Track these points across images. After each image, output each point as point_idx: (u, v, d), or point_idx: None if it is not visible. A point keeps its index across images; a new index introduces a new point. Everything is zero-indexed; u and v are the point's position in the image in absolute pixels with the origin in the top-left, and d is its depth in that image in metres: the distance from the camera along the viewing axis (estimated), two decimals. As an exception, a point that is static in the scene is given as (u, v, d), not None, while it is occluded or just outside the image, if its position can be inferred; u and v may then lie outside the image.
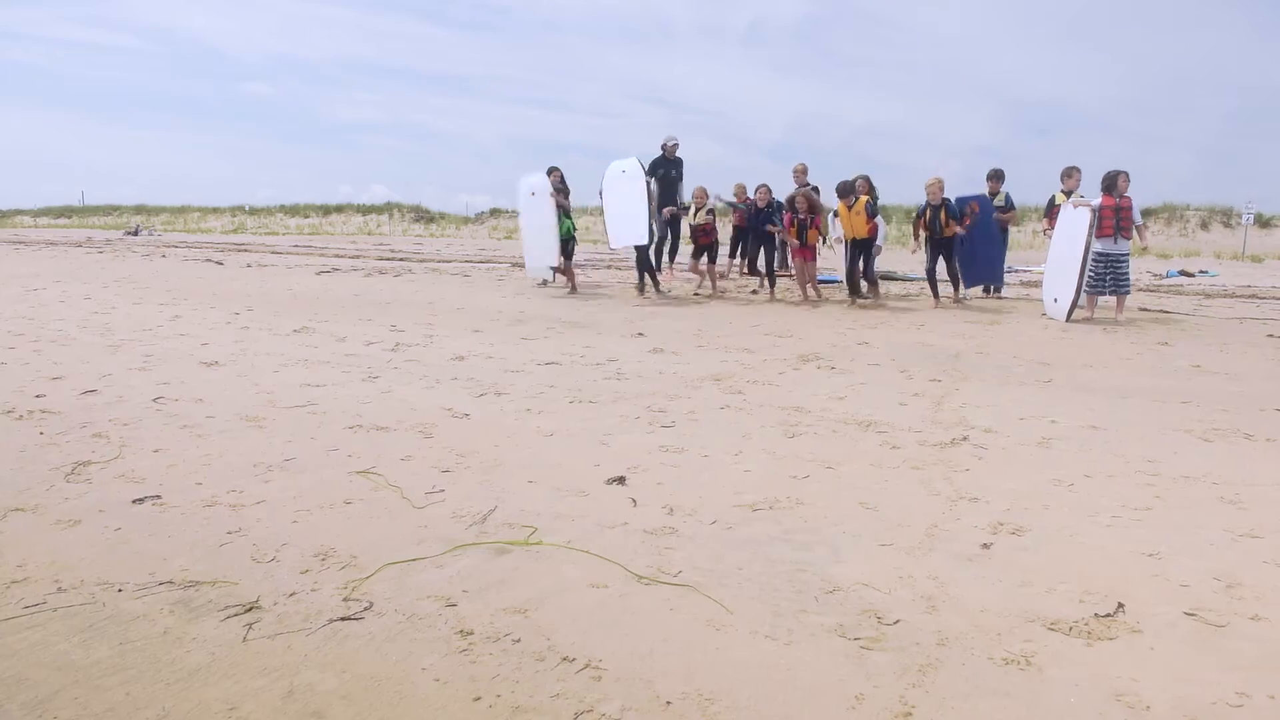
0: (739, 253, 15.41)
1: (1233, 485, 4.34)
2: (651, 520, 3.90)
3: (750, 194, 14.12)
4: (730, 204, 14.15)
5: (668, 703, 2.50)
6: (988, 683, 2.61)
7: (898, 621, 2.97)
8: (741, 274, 15.65)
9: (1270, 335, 9.38)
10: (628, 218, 12.79)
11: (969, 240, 11.98)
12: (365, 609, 3.06)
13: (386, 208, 46.91)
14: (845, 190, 11.73)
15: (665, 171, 14.25)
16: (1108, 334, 9.44)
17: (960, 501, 4.14)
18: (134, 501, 4.11)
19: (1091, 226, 10.19)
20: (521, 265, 19.20)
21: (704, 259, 13.61)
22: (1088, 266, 10.40)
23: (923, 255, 12.50)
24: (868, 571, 3.36)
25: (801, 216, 12.06)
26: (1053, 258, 10.92)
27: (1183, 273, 17.79)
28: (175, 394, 6.30)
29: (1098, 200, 10.44)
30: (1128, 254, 10.61)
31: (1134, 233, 10.49)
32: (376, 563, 3.42)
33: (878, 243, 12.25)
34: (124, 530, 3.79)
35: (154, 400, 6.12)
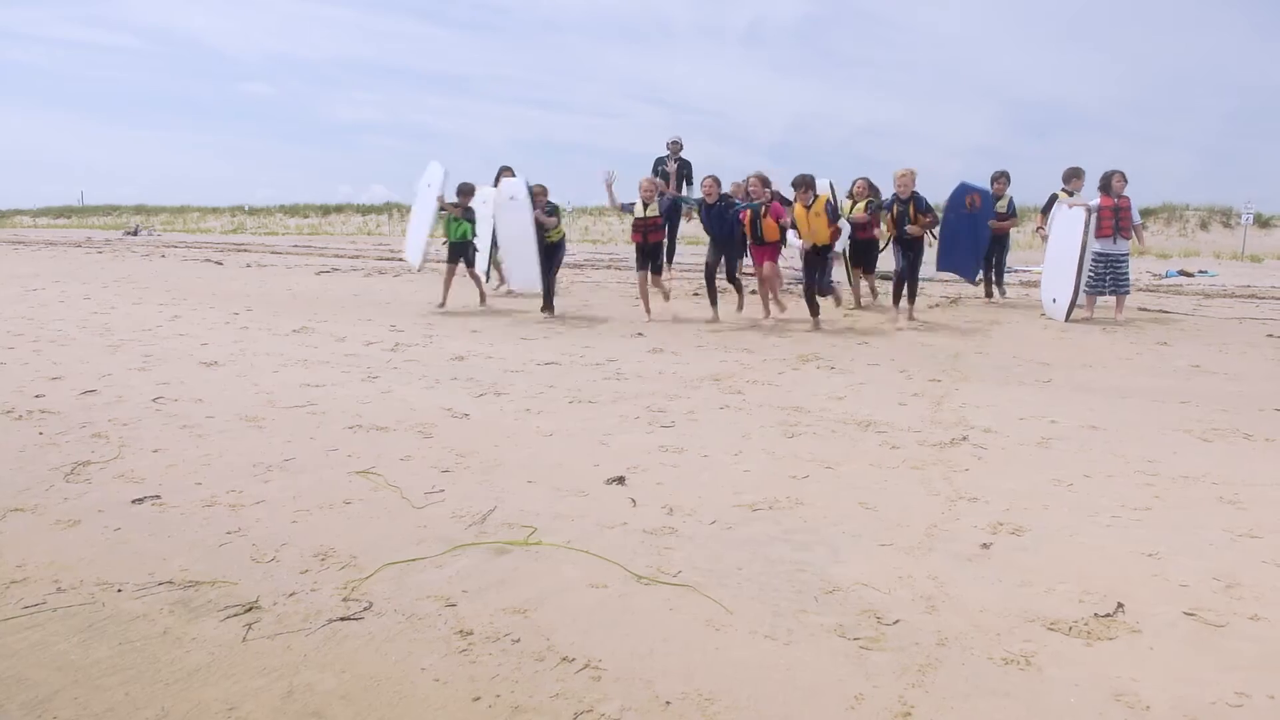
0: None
1: (1232, 485, 4.34)
2: (651, 520, 3.90)
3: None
4: (697, 202, 11.03)
5: (667, 703, 2.50)
6: (987, 683, 2.61)
7: (897, 621, 2.97)
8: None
9: (1270, 335, 9.38)
10: (519, 258, 11.20)
11: (952, 225, 11.34)
12: (365, 609, 3.06)
13: (386, 208, 46.82)
14: (802, 184, 9.61)
15: (672, 169, 14.36)
16: (1107, 334, 9.44)
17: (960, 501, 4.14)
18: (133, 501, 4.11)
19: (1087, 226, 10.15)
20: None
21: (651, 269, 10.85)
22: (1087, 267, 10.35)
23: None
24: (867, 571, 3.36)
25: (757, 202, 9.97)
26: (1050, 258, 10.90)
27: (1182, 273, 17.78)
28: (175, 394, 6.30)
29: (1095, 200, 10.40)
30: (1127, 254, 10.51)
31: (1133, 233, 10.46)
32: (376, 563, 3.42)
33: (836, 249, 10.49)
34: (123, 530, 3.79)
35: (153, 400, 6.12)
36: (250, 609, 3.06)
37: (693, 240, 18.81)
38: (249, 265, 19.34)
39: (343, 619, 2.99)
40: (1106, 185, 10.34)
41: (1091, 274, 10.43)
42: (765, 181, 10.13)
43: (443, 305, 11.55)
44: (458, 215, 11.35)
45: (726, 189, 10.76)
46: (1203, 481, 4.42)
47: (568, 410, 5.94)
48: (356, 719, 2.45)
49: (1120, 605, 3.07)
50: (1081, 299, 10.45)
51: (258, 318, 10.65)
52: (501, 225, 11.61)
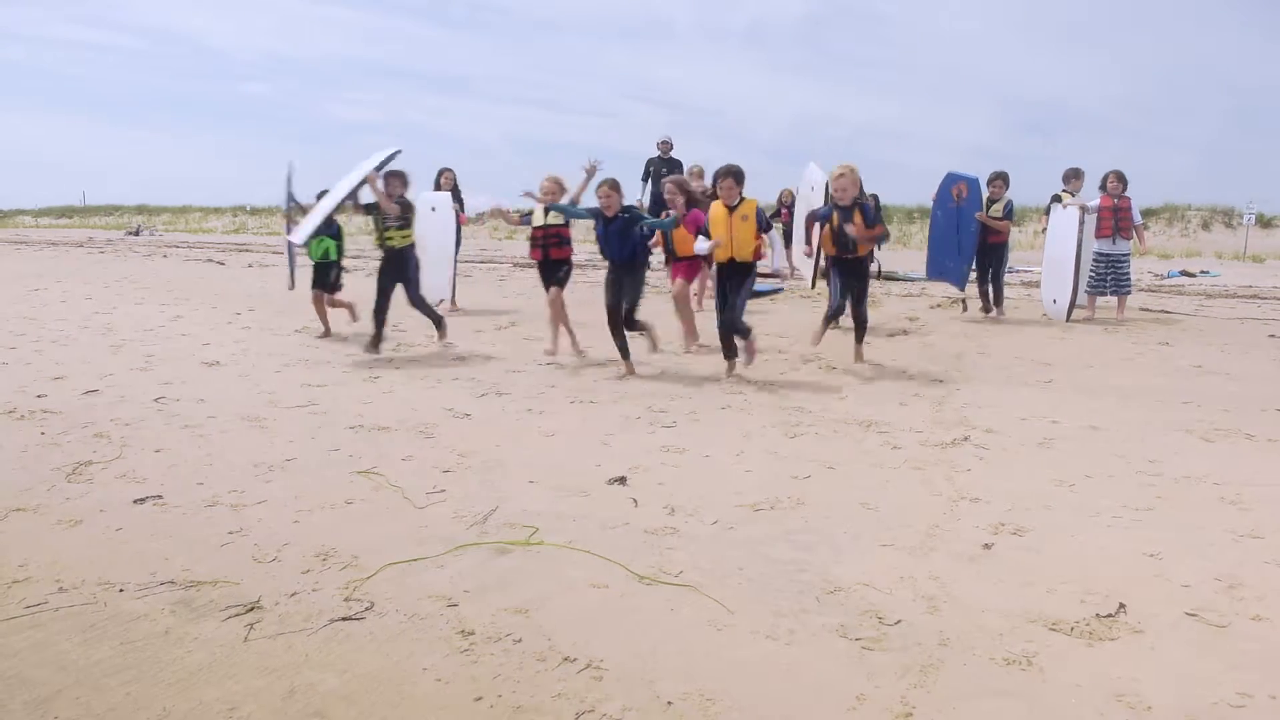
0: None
1: (1234, 486, 4.34)
2: (653, 520, 3.90)
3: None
4: (591, 214, 7.41)
5: (669, 703, 2.50)
6: (989, 683, 2.61)
7: (899, 622, 2.97)
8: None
9: (1272, 335, 9.36)
10: (431, 264, 9.68)
11: (940, 225, 10.59)
12: (366, 609, 3.06)
13: (389, 208, 46.78)
14: (728, 176, 6.88)
15: (660, 170, 14.47)
16: (1109, 334, 9.43)
17: (961, 502, 4.14)
18: (135, 501, 4.12)
19: (1080, 225, 10.11)
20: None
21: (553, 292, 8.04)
22: (1088, 267, 10.34)
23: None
24: (869, 571, 3.36)
25: (669, 219, 7.65)
26: (1048, 259, 10.85)
27: (1184, 273, 17.76)
28: (177, 394, 6.30)
29: (1095, 201, 10.38)
30: (1128, 254, 10.47)
31: (1134, 234, 10.41)
32: (378, 563, 3.42)
33: (776, 264, 8.18)
34: (125, 530, 3.79)
35: (155, 400, 6.12)
36: (252, 609, 3.06)
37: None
38: (251, 265, 19.34)
39: (344, 619, 2.99)
40: (1102, 184, 10.36)
41: (1093, 274, 10.39)
42: (683, 186, 7.94)
43: (326, 334, 9.20)
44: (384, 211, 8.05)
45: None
46: (1205, 482, 4.42)
47: (569, 410, 5.94)
48: (359, 719, 2.45)
49: (1122, 606, 3.06)
50: (1083, 299, 10.43)
51: (260, 318, 10.65)
52: (425, 238, 9.61)
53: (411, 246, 8.24)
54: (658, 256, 9.08)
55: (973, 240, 10.16)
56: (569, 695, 2.54)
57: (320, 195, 8.87)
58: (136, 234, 36.11)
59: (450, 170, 11.63)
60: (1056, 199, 10.92)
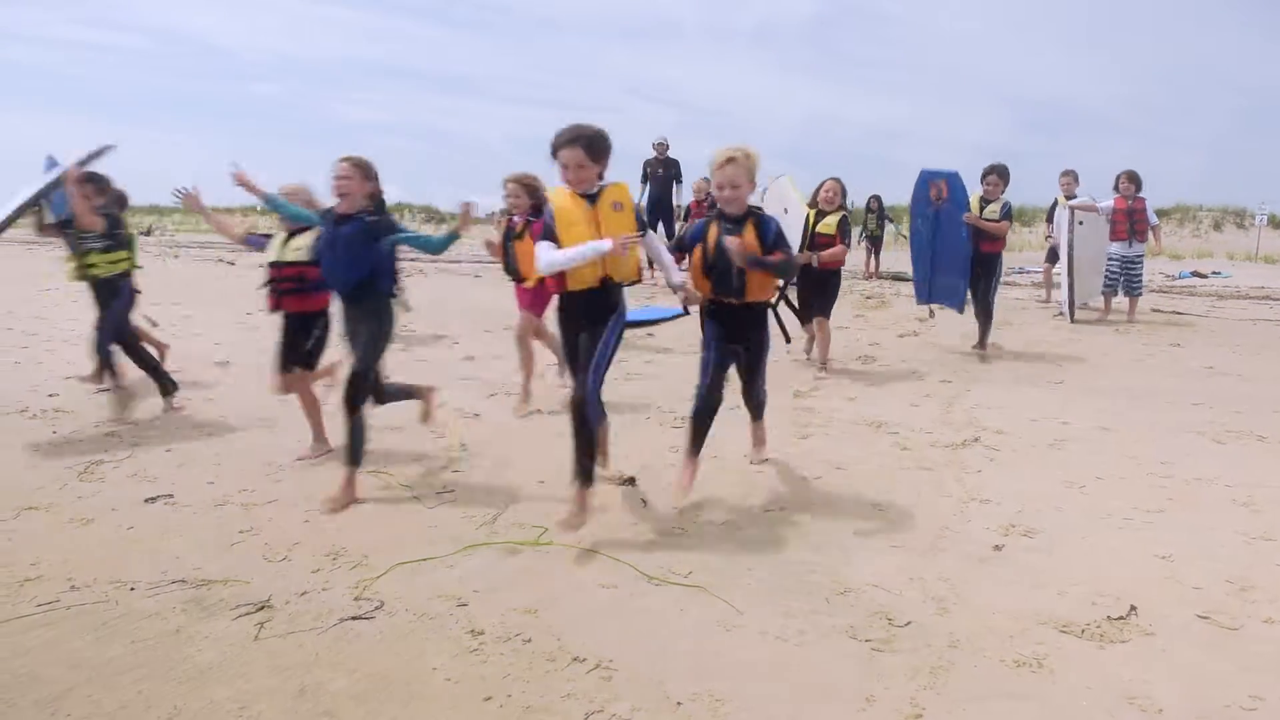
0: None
1: (1246, 487, 4.32)
2: (662, 520, 3.90)
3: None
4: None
5: (678, 703, 2.50)
6: (999, 685, 2.60)
7: (909, 623, 2.96)
8: None
9: (1284, 337, 9.32)
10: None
11: (922, 236, 8.59)
12: (376, 608, 3.07)
13: (397, 208, 46.97)
14: (575, 144, 3.90)
15: (657, 170, 14.56)
16: (1120, 335, 9.40)
17: (971, 503, 4.13)
18: (147, 500, 4.13)
19: (1072, 226, 10.05)
20: None
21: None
22: (1104, 268, 10.30)
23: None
24: (879, 572, 3.36)
25: (514, 219, 6.05)
26: (1061, 261, 10.88)
27: (1195, 274, 17.69)
28: (187, 393, 6.31)
29: (1108, 202, 10.27)
30: (1142, 256, 10.32)
31: (1150, 235, 10.26)
32: (387, 562, 3.42)
33: (673, 279, 4.22)
34: (137, 529, 3.80)
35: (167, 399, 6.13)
36: (262, 608, 3.07)
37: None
38: (261, 265, 19.37)
39: (354, 618, 3.00)
40: (1117, 186, 10.23)
41: (1107, 275, 10.31)
42: (525, 182, 5.96)
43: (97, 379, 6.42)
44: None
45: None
46: (1216, 484, 4.40)
47: (578, 410, 5.93)
48: (368, 718, 2.45)
49: (1133, 608, 3.05)
50: (1098, 300, 10.44)
51: (270, 318, 10.65)
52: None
53: (125, 275, 6.00)
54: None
55: (964, 250, 7.91)
56: (578, 695, 2.54)
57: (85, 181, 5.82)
58: (148, 234, 36.23)
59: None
60: (1056, 203, 11.02)
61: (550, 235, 3.89)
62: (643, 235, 4.01)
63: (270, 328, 9.82)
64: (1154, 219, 10.28)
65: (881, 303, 12.04)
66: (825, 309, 7.30)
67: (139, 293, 6.21)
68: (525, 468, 4.66)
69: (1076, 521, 3.91)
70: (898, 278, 15.22)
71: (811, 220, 7.26)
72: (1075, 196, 10.79)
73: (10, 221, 5.63)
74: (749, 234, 4.13)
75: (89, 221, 5.68)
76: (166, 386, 6.02)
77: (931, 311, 9.10)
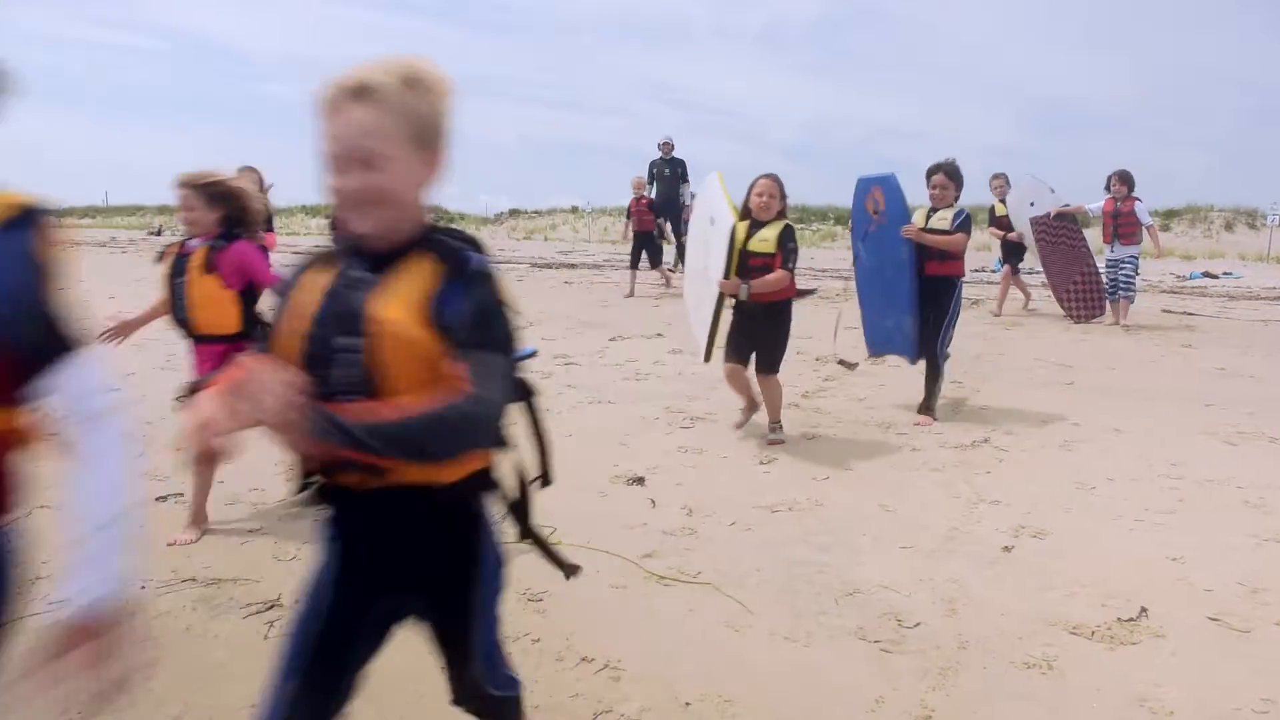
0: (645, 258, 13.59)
1: (1257, 489, 4.30)
2: (671, 521, 3.90)
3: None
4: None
5: (687, 704, 2.50)
6: (1009, 686, 2.59)
7: (918, 624, 2.96)
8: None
9: (1296, 338, 9.27)
10: None
11: (866, 264, 6.32)
12: (385, 607, 3.07)
13: (406, 208, 46.99)
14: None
15: (663, 170, 14.63)
16: (1130, 336, 9.37)
17: (981, 504, 4.12)
18: (157, 499, 4.15)
19: (1036, 234, 10.15)
20: (545, 266, 19.22)
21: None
22: (1101, 273, 10.16)
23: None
24: (888, 574, 3.35)
25: (188, 243, 4.26)
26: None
27: (1207, 274, 17.61)
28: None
29: (1096, 204, 10.01)
30: (1134, 259, 9.90)
31: (1143, 236, 9.85)
32: (397, 561, 3.42)
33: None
34: (147, 527, 3.82)
35: (176, 399, 6.16)
36: (272, 606, 3.08)
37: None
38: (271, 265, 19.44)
39: (363, 617, 3.00)
40: (1108, 186, 9.89)
41: (1106, 280, 10.10)
42: (222, 193, 4.14)
43: None
44: None
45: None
46: (1228, 485, 4.38)
47: (587, 411, 5.94)
48: (377, 717, 2.46)
49: (1144, 610, 3.04)
50: (1108, 309, 10.25)
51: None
52: None
53: None
54: None
55: (909, 275, 5.80)
56: (587, 695, 2.54)
57: None
58: (159, 233, 36.37)
59: (254, 169, 7.10)
60: (993, 210, 10.73)
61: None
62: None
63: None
64: (1146, 219, 9.82)
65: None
66: (769, 361, 5.13)
67: None
68: (533, 467, 4.65)
69: (1087, 523, 3.89)
70: None
71: (740, 235, 4.95)
72: (1006, 197, 10.56)
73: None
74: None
75: None
76: None
77: (848, 363, 6.13)
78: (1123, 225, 9.68)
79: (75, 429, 1.46)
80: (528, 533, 2.02)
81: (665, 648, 2.81)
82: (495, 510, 1.89)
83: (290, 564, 3.44)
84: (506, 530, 1.86)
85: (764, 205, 5.03)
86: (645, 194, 13.83)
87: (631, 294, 12.91)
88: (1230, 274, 17.80)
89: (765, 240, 4.96)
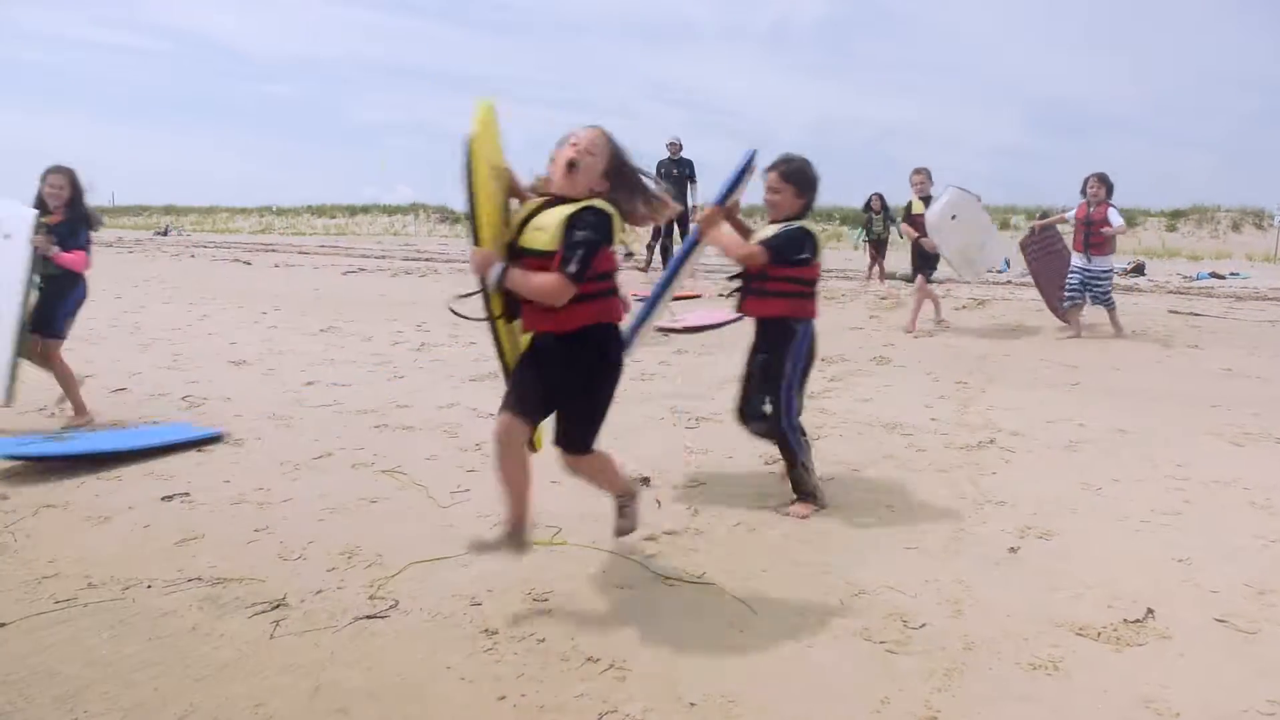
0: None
1: (1264, 490, 4.29)
2: (676, 521, 3.90)
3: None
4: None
5: (691, 704, 2.50)
6: (1014, 688, 2.59)
7: (924, 625, 2.95)
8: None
9: (1303, 338, 9.24)
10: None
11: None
12: (391, 607, 3.08)
13: (412, 209, 47.11)
14: None
15: (671, 170, 14.68)
16: (1136, 337, 9.34)
17: (987, 505, 4.11)
18: (163, 499, 4.16)
19: (943, 234, 9.29)
20: None
21: None
22: (1072, 280, 9.24)
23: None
24: (893, 574, 3.34)
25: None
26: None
27: (1213, 275, 17.58)
28: (203, 393, 6.35)
29: (1072, 210, 9.30)
30: (1109, 271, 9.22)
31: (1110, 244, 9.06)
32: (402, 561, 3.44)
33: None
34: (153, 527, 3.83)
35: (183, 398, 6.18)
36: (278, 606, 3.08)
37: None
38: (277, 265, 19.49)
39: (369, 617, 3.01)
40: (1084, 190, 9.07)
41: (1068, 287, 9.24)
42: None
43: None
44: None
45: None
46: (1234, 486, 4.36)
47: (592, 411, 5.93)
48: (383, 716, 2.46)
49: (1150, 611, 3.04)
50: (1068, 315, 9.50)
51: (285, 317, 10.72)
52: None
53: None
54: None
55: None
56: (592, 695, 2.54)
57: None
58: (164, 234, 36.47)
59: (64, 171, 5.54)
60: (909, 206, 9.94)
61: None
62: None
63: (288, 328, 9.88)
64: (1117, 220, 8.96)
65: (896, 303, 12.00)
66: (569, 435, 3.31)
67: None
68: (539, 467, 4.65)
69: (1093, 524, 3.89)
70: (909, 280, 15.04)
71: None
72: (930, 196, 9.55)
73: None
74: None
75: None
76: None
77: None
78: (1095, 234, 8.96)
79: None
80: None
81: (670, 648, 2.81)
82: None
83: (296, 563, 3.45)
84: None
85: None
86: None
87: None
88: (1237, 274, 17.76)
89: (541, 230, 3.03)
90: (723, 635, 2.91)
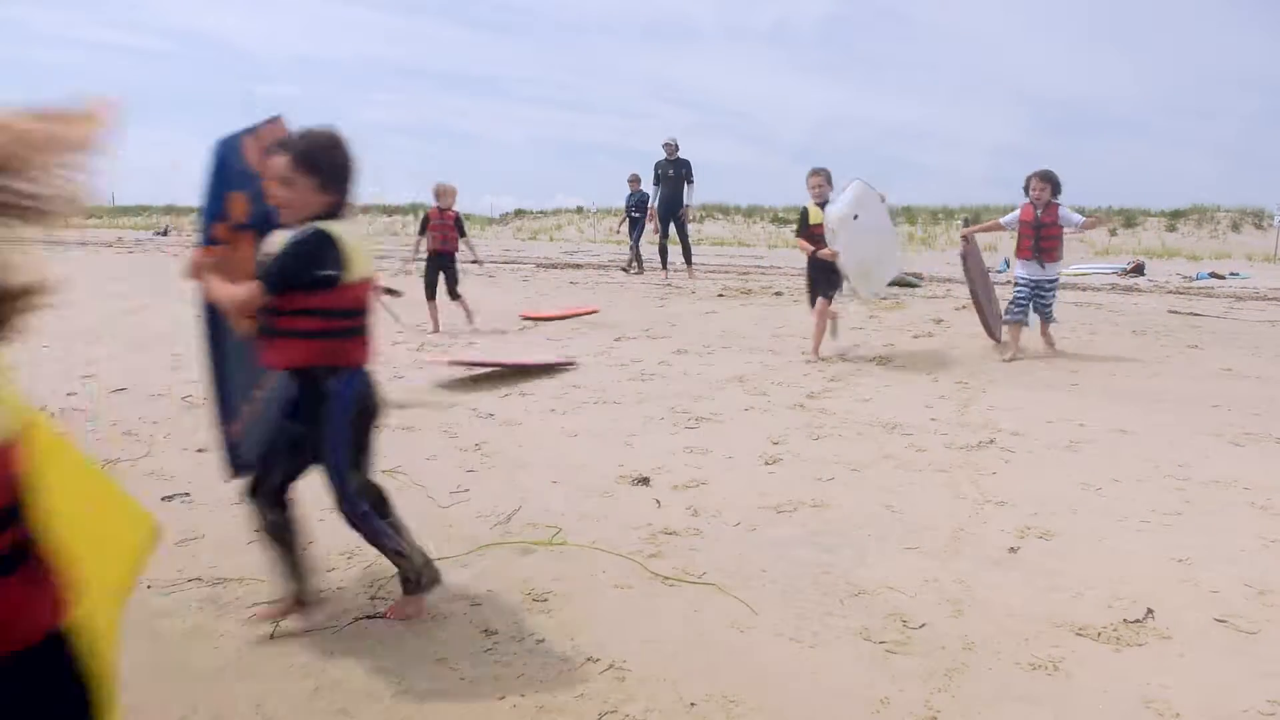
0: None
1: (1264, 490, 4.29)
2: (676, 521, 3.90)
3: None
4: None
5: (691, 704, 2.50)
6: (1015, 688, 2.59)
7: (924, 625, 2.95)
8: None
9: (1303, 339, 9.24)
10: None
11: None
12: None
13: (412, 209, 47.19)
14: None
15: (666, 171, 14.73)
16: (1137, 337, 9.34)
17: (987, 505, 4.11)
18: (163, 499, 4.16)
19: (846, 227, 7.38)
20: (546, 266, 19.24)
21: None
22: (1013, 290, 8.02)
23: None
24: (893, 574, 3.35)
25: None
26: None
27: (1213, 275, 17.58)
28: (204, 393, 6.35)
29: (1013, 214, 8.09)
30: (1055, 280, 8.08)
31: (1061, 249, 7.99)
32: (402, 561, 3.43)
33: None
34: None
35: (183, 399, 6.18)
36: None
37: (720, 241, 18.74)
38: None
39: (369, 617, 3.01)
40: (1027, 189, 7.95)
41: (1014, 300, 7.97)
42: None
43: None
44: None
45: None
46: (1234, 486, 4.36)
47: (592, 410, 5.94)
48: (383, 716, 2.46)
49: (1150, 611, 3.04)
50: (1004, 333, 8.22)
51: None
52: None
53: None
54: None
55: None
56: (592, 696, 2.54)
57: None
58: (165, 234, 36.47)
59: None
60: (805, 213, 7.98)
61: None
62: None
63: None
64: (1075, 219, 7.83)
65: (896, 303, 12.01)
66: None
67: None
68: (539, 467, 4.66)
69: (1093, 524, 3.89)
70: (898, 283, 14.52)
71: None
72: (828, 200, 7.69)
73: None
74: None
75: None
76: None
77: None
78: (1046, 239, 7.81)
79: None
80: None
81: (670, 648, 2.81)
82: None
83: (296, 564, 3.44)
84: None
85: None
86: (448, 206, 10.16)
87: (436, 329, 9.67)
88: (1237, 274, 17.77)
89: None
90: (723, 635, 2.91)
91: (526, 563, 3.47)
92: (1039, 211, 7.79)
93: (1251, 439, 5.25)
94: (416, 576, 3.01)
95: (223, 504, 4.10)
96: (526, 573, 3.37)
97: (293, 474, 2.97)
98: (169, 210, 53.26)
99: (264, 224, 3.01)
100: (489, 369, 7.04)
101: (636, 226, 16.44)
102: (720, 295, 13.49)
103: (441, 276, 9.93)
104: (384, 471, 4.52)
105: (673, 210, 14.99)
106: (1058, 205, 7.81)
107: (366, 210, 47.20)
